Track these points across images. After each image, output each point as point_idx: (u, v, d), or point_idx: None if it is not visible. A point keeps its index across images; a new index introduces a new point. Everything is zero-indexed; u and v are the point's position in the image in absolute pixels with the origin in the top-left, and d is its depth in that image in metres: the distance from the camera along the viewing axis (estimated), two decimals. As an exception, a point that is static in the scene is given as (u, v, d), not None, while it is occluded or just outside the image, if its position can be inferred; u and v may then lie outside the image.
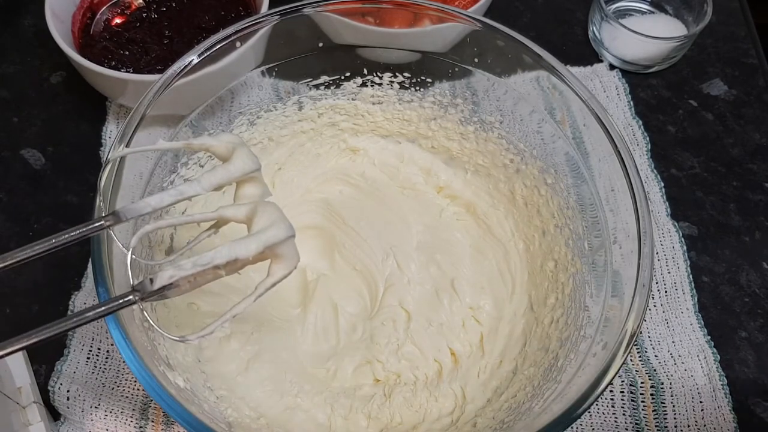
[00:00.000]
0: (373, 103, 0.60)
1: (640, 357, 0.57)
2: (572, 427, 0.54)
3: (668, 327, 0.58)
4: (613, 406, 0.55)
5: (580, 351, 0.46)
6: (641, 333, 0.58)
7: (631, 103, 0.71)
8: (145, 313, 0.37)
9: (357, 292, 0.57)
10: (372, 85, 0.59)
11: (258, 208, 0.39)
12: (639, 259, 0.43)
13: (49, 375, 0.55)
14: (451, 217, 0.61)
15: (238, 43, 0.52)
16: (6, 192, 0.66)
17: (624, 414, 0.55)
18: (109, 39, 0.67)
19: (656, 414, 0.54)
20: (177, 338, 0.37)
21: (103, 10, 0.70)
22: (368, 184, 0.62)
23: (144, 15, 0.69)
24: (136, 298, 0.36)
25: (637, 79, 0.73)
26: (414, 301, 0.57)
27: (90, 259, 0.47)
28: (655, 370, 0.56)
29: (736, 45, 0.76)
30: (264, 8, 0.66)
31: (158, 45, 0.66)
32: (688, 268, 0.61)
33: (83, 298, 0.59)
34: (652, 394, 0.55)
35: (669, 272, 0.61)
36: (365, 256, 0.58)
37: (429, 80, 0.58)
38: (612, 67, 0.74)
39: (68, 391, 0.53)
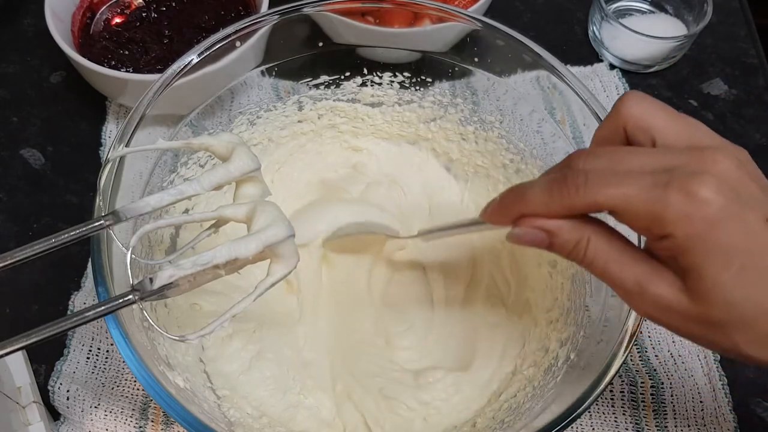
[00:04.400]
0: (373, 105, 0.60)
1: (640, 357, 0.57)
2: (572, 427, 0.54)
3: (668, 327, 0.58)
4: (613, 406, 0.55)
5: (579, 351, 0.46)
6: (641, 333, 0.58)
7: (631, 102, 0.71)
8: (144, 312, 0.37)
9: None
10: (372, 85, 0.59)
11: (258, 207, 0.39)
12: (639, 258, 0.43)
13: (48, 375, 0.55)
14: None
15: (237, 43, 0.52)
16: (5, 192, 0.66)
17: (624, 414, 0.55)
18: (108, 38, 0.67)
19: (656, 414, 0.54)
20: (177, 337, 0.37)
21: (102, 9, 0.69)
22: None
23: (144, 14, 0.69)
24: (136, 297, 0.36)
25: (637, 79, 0.73)
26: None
27: (90, 259, 0.47)
28: (655, 370, 0.56)
29: (736, 45, 0.76)
30: (264, 8, 0.66)
31: (158, 44, 0.66)
32: (688, 268, 0.61)
33: (83, 297, 0.59)
34: (652, 394, 0.55)
35: (669, 272, 0.61)
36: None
37: (429, 80, 0.58)
38: (612, 66, 0.74)
39: (68, 390, 0.53)
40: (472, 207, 0.61)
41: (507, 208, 0.37)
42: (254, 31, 0.52)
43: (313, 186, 0.61)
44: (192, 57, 0.49)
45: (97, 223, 0.37)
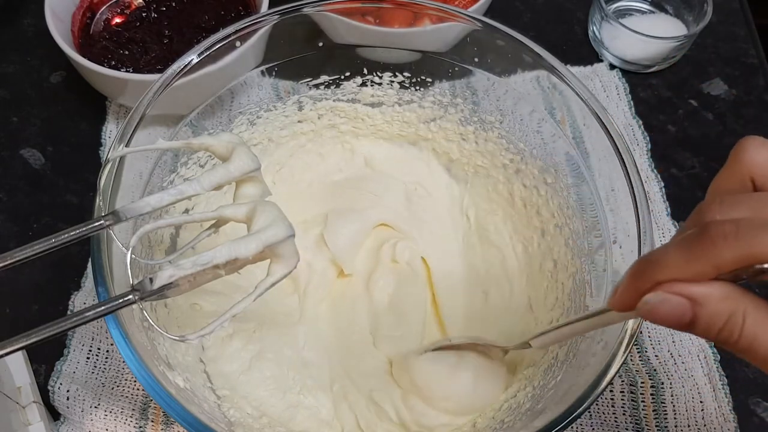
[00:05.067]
0: (373, 105, 0.60)
1: (640, 357, 0.57)
2: (572, 427, 0.54)
3: (668, 327, 0.58)
4: (613, 406, 0.55)
5: (579, 351, 0.46)
6: (641, 333, 0.58)
7: (631, 102, 0.71)
8: (144, 312, 0.37)
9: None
10: (372, 85, 0.59)
11: (258, 207, 0.39)
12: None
13: (48, 375, 0.55)
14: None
15: (237, 43, 0.52)
16: (5, 192, 0.66)
17: (624, 414, 0.54)
18: (108, 39, 0.67)
19: (656, 414, 0.54)
20: (177, 337, 0.37)
21: (102, 9, 0.70)
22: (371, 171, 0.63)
23: (144, 14, 0.69)
24: (136, 297, 0.36)
25: (637, 78, 0.73)
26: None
27: (90, 259, 0.47)
28: (655, 370, 0.56)
29: (736, 45, 0.76)
30: (264, 8, 0.66)
31: (158, 44, 0.66)
32: (688, 268, 0.61)
33: (83, 297, 0.59)
34: (652, 394, 0.55)
35: (669, 272, 0.61)
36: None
37: (429, 80, 0.58)
38: (612, 66, 0.74)
39: (68, 390, 0.53)
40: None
41: (637, 281, 0.30)
42: (254, 31, 0.52)
43: (317, 187, 0.61)
44: (192, 57, 0.49)
45: (97, 223, 0.37)
